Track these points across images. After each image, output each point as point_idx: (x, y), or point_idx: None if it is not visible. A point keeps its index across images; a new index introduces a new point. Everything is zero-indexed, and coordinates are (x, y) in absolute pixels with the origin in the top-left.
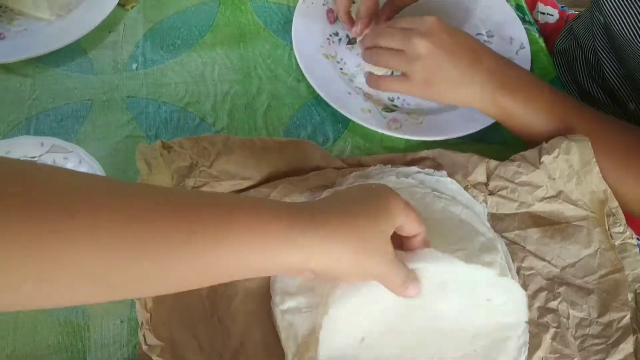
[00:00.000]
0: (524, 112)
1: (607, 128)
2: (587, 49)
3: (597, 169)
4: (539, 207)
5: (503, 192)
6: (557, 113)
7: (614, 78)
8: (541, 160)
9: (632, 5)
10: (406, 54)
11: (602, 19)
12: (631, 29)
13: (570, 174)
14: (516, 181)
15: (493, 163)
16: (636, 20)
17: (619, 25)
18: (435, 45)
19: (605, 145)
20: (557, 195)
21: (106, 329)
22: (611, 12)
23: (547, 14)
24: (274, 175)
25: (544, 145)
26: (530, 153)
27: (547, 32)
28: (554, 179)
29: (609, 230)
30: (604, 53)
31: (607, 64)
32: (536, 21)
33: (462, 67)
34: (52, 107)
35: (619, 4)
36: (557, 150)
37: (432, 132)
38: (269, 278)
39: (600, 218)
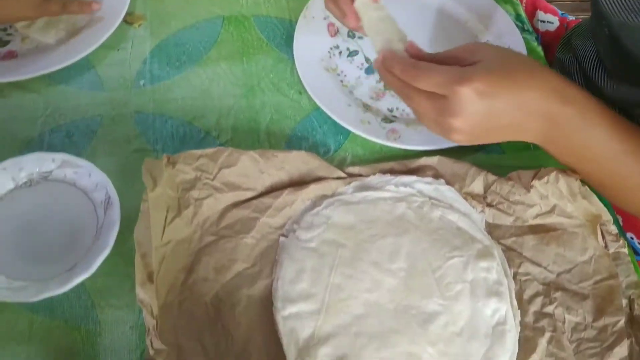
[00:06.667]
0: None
1: None
2: (585, 63)
3: (585, 201)
4: (535, 222)
5: (500, 207)
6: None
7: (618, 92)
8: (532, 184)
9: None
10: (439, 114)
11: (607, 30)
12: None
13: (561, 195)
14: (511, 199)
15: (491, 177)
16: None
17: (629, 38)
18: (470, 130)
19: None
20: (552, 210)
21: (116, 335)
22: (618, 22)
23: (547, 21)
24: (275, 185)
25: (538, 172)
26: (525, 175)
27: (547, 40)
28: (547, 196)
29: (603, 239)
30: (610, 65)
31: (611, 76)
32: (536, 30)
33: (503, 138)
34: (63, 123)
35: (625, 14)
36: (546, 178)
37: (430, 142)
38: (270, 286)
39: (594, 228)
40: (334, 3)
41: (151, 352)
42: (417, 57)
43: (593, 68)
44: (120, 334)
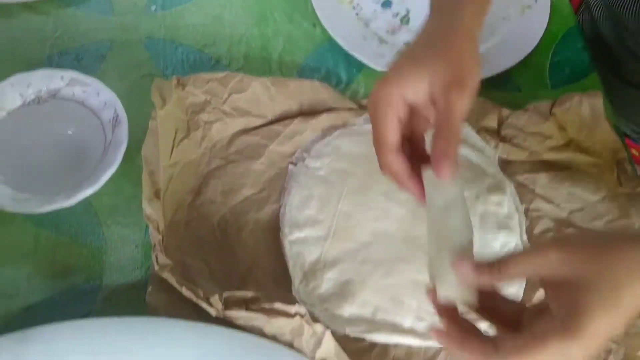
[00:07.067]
0: None
1: None
2: (623, 12)
3: (607, 123)
4: (549, 157)
5: (514, 141)
6: None
7: None
8: (552, 112)
9: None
10: None
11: None
12: None
13: (581, 126)
14: (526, 131)
15: (505, 111)
16: None
17: None
18: None
19: None
20: (568, 144)
21: (122, 253)
22: None
23: None
24: (286, 114)
25: (558, 99)
26: (544, 105)
27: None
28: (565, 129)
29: (618, 178)
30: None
31: None
32: None
33: None
34: (73, 46)
35: None
36: (568, 103)
37: None
38: (278, 211)
39: (610, 165)
40: (394, 175)
41: (156, 267)
42: (481, 279)
43: (633, 17)
44: (126, 252)
